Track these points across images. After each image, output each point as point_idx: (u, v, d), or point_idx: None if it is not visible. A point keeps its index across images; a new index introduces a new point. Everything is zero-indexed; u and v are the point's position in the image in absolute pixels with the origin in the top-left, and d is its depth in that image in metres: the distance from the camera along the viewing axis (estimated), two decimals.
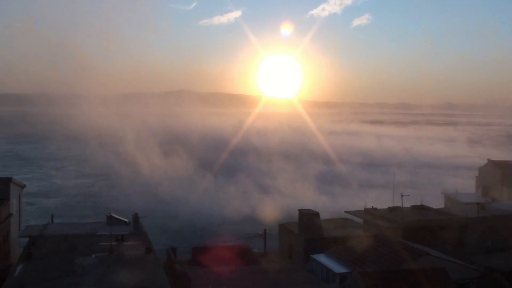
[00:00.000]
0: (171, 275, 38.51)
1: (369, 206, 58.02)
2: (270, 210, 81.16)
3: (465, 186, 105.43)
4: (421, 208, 57.90)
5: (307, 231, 45.85)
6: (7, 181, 44.77)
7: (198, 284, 33.20)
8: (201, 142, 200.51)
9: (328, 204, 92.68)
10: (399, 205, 54.03)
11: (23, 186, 49.26)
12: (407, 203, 55.82)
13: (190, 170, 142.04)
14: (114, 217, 45.18)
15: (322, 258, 37.18)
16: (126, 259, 35.42)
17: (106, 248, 36.94)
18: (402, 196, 52.66)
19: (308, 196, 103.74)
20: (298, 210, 48.86)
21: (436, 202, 74.22)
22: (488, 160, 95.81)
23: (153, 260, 35.81)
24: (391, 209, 55.69)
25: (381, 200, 70.53)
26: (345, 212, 58.94)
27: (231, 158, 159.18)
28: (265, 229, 55.86)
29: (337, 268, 35.16)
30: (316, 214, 47.18)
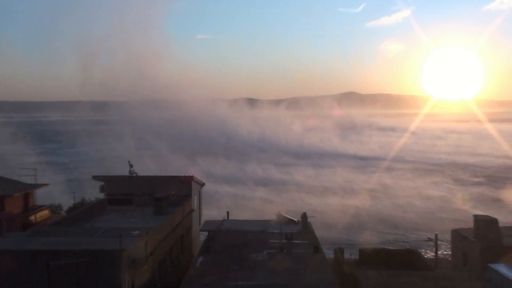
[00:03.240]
0: (339, 276, 38.83)
1: None
2: None
3: None
4: None
5: (484, 238, 42.74)
6: (189, 179, 49.17)
7: (366, 286, 32.99)
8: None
9: None
10: None
11: (202, 185, 53.66)
12: None
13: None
14: (284, 215, 46.89)
15: (502, 268, 34.36)
16: (295, 257, 36.56)
17: (277, 246, 38.56)
18: None
19: None
20: (474, 215, 45.81)
21: None
22: None
23: (321, 259, 36.41)
24: None
25: None
26: None
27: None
28: (436, 234, 53.47)
29: None
30: (495, 221, 43.74)
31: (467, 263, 44.50)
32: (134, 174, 51.75)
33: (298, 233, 42.42)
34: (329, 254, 48.29)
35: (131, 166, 51.20)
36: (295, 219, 47.09)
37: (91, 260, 29.07)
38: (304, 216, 46.00)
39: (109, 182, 49.98)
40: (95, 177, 51.70)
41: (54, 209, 63.26)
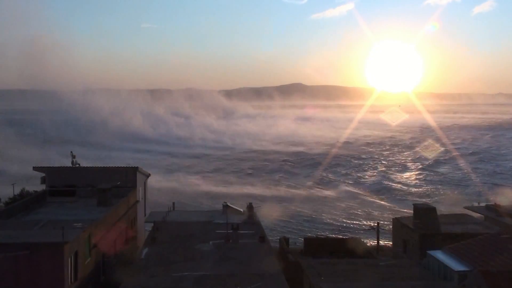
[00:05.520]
0: (284, 265, 39.33)
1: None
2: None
3: None
4: None
5: (423, 226, 44.39)
6: (134, 170, 48.36)
7: (310, 274, 33.62)
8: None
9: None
10: None
11: (148, 175, 52.91)
12: None
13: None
14: (230, 206, 47.02)
15: (439, 255, 35.81)
16: (241, 247, 36.80)
17: (223, 236, 38.66)
18: None
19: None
20: (413, 204, 47.46)
21: None
22: None
23: (267, 249, 36.81)
24: None
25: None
26: (464, 207, 56.12)
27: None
28: (378, 223, 55.00)
29: (456, 265, 33.63)
30: (433, 209, 45.49)
31: (407, 250, 46.11)
32: (77, 165, 50.38)
33: (244, 223, 42.69)
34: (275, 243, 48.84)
35: (73, 156, 49.81)
36: (241, 209, 47.33)
37: (31, 253, 28.18)
38: (250, 206, 46.29)
39: (50, 173, 48.47)
40: (36, 168, 50.01)
41: None
